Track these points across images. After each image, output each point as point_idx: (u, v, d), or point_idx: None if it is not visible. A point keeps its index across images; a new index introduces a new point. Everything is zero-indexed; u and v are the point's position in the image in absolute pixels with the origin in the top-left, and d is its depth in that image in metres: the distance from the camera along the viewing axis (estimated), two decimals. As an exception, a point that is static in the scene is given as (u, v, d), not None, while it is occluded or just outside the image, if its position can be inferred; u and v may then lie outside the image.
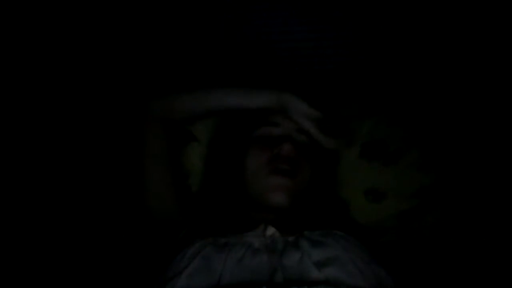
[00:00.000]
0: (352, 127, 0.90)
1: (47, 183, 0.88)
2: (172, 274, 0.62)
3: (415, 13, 0.99)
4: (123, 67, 1.00)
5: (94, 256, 0.85)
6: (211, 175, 0.84)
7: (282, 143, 0.73)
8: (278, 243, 0.65)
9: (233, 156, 0.78)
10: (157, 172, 0.79)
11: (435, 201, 0.87)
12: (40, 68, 0.95)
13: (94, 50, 0.99)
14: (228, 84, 0.84)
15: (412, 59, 1.02)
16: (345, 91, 0.99)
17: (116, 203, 0.89)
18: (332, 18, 1.01)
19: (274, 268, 0.60)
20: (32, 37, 0.96)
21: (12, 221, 0.85)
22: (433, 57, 1.01)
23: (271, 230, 0.67)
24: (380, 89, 0.99)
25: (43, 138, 0.91)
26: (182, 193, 0.83)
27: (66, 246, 0.86)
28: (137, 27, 1.02)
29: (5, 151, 0.89)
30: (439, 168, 0.88)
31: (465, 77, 0.98)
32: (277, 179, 0.72)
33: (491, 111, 0.93)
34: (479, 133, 0.91)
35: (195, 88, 0.84)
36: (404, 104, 0.94)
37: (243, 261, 0.61)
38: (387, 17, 1.01)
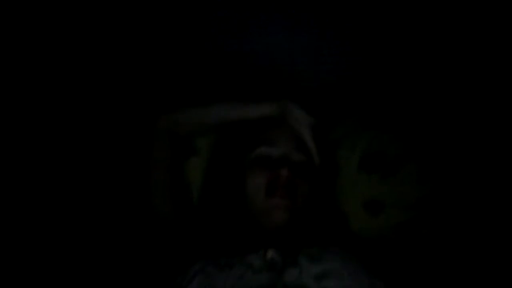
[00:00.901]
0: (351, 140, 0.91)
1: (54, 187, 0.91)
2: (174, 292, 0.64)
3: (415, 27, 1.00)
4: (133, 78, 1.03)
5: (99, 271, 0.86)
6: (210, 192, 0.85)
7: (280, 167, 0.74)
8: (277, 264, 0.66)
9: (232, 175, 0.79)
10: (161, 176, 0.84)
11: (434, 213, 0.88)
12: (55, 75, 0.99)
13: (109, 62, 1.02)
14: (227, 98, 0.88)
15: (410, 73, 1.02)
16: (343, 104, 1.00)
17: (122, 211, 0.91)
18: (331, 31, 1.02)
19: (274, 283, 0.62)
20: (49, 45, 0.99)
21: (17, 225, 0.88)
22: (432, 70, 1.01)
23: (270, 253, 0.68)
24: (379, 102, 1.00)
25: (55, 143, 0.94)
26: (183, 202, 0.86)
27: (71, 253, 0.87)
28: (143, 39, 1.04)
29: (22, 154, 0.92)
30: (437, 180, 0.89)
31: (462, 90, 0.98)
32: (276, 203, 0.74)
33: (489, 123, 0.94)
34: (477, 145, 0.91)
35: (196, 103, 0.87)
36: (402, 116, 0.94)
37: (243, 278, 0.63)
38: (386, 31, 1.01)
